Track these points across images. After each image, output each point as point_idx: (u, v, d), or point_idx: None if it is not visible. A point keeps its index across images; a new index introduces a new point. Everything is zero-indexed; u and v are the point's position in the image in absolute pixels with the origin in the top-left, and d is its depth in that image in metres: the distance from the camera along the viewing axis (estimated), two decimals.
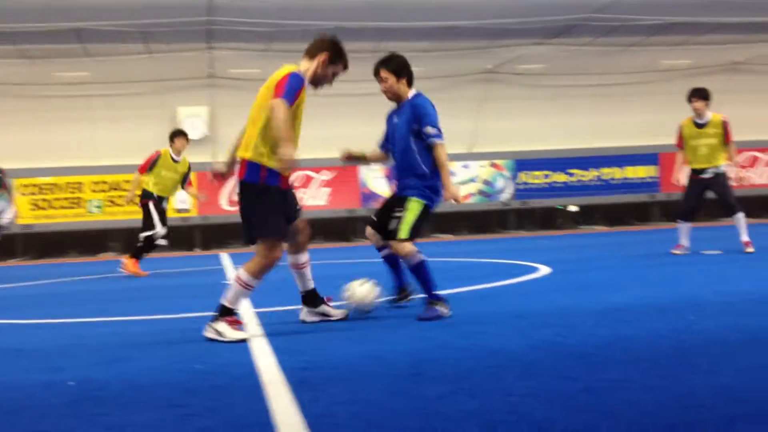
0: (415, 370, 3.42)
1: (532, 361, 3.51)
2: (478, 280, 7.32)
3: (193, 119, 16.83)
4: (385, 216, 5.29)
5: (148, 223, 10.19)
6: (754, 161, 18.67)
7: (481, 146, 17.94)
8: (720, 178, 9.11)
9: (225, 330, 4.41)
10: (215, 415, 2.83)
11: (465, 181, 17.87)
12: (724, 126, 9.14)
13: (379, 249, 5.47)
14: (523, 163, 18.13)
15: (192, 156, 16.76)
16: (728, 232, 10.41)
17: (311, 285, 5.03)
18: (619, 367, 3.27)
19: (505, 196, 18.21)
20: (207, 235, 17.32)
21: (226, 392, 3.20)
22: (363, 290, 5.09)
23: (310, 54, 4.70)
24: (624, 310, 4.90)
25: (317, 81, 4.72)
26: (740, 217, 9.07)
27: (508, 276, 7.60)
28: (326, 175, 17.24)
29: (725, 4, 13.83)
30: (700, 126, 9.16)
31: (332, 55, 4.69)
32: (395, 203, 5.24)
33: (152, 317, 5.85)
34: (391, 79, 5.25)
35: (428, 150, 5.17)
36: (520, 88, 18.19)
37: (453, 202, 5.19)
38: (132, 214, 16.95)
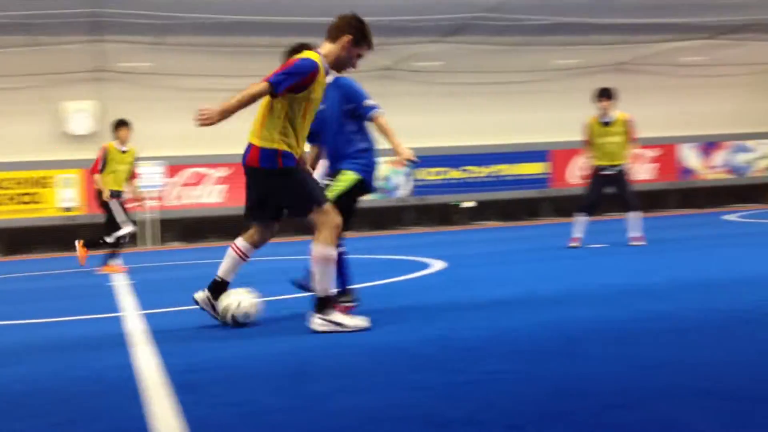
0: (302, 369, 3.39)
1: (420, 355, 3.54)
2: (373, 276, 7.34)
3: (80, 114, 16.22)
4: None
5: (114, 223, 9.86)
6: (637, 158, 19.46)
7: (379, 143, 18.01)
8: (622, 175, 9.45)
9: (344, 320, 4.25)
10: (92, 422, 2.73)
11: None
12: (629, 124, 9.48)
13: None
14: (421, 159, 18.30)
15: (79, 153, 16.26)
16: (616, 225, 10.82)
17: (231, 278, 4.81)
18: (503, 359, 3.34)
19: (403, 192, 18.36)
20: (95, 235, 16.72)
21: (105, 398, 3.09)
22: (234, 300, 4.72)
23: (332, 36, 4.47)
24: (512, 303, 5.02)
25: (340, 64, 4.51)
26: (636, 215, 9.43)
27: (403, 272, 7.66)
28: (222, 172, 16.94)
29: (611, 5, 14.36)
30: (605, 124, 9.46)
31: (356, 36, 4.43)
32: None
33: (30, 321, 5.60)
34: None
35: (362, 129, 5.17)
36: (418, 86, 18.38)
37: (407, 163, 5.10)
38: (10, 214, 16.20)
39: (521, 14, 14.37)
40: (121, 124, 10.05)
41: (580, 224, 9.51)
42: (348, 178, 5.07)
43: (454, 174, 18.63)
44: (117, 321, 5.26)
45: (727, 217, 15.48)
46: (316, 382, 3.10)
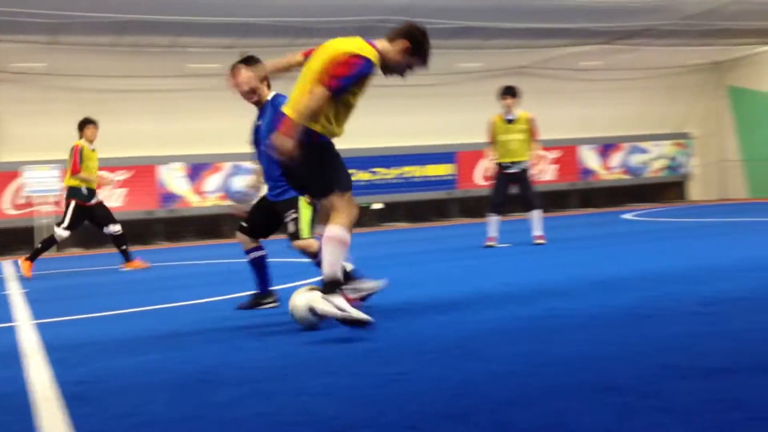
0: (203, 377, 3.30)
1: (326, 359, 3.51)
2: (276, 280, 7.25)
3: None
4: (260, 219, 5.24)
5: (61, 222, 9.71)
6: (540, 157, 19.93)
7: None
8: (525, 174, 9.62)
9: (347, 306, 3.89)
10: None
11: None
12: (532, 123, 9.67)
13: (248, 252, 5.37)
14: None
15: None
16: (520, 225, 11.03)
17: (350, 261, 4.73)
18: (407, 360, 3.34)
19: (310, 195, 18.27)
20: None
21: None
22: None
23: (391, 38, 4.29)
24: (418, 304, 5.04)
25: (390, 68, 4.30)
26: (537, 213, 9.63)
27: (310, 275, 7.59)
28: (122, 175, 16.45)
29: (514, 10, 14.66)
30: (509, 122, 9.63)
31: (413, 46, 4.26)
32: (280, 206, 5.14)
33: None
34: (255, 81, 5.10)
35: None
36: None
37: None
38: None
39: (426, 18, 14.50)
40: (88, 122, 9.89)
41: (492, 224, 9.65)
42: (306, 205, 5.09)
43: (363, 176, 18.66)
44: (9, 332, 5.02)
45: (624, 216, 16.04)
46: (217, 391, 3.02)
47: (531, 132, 9.65)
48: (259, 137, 5.23)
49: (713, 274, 5.53)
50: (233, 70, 5.18)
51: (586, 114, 20.53)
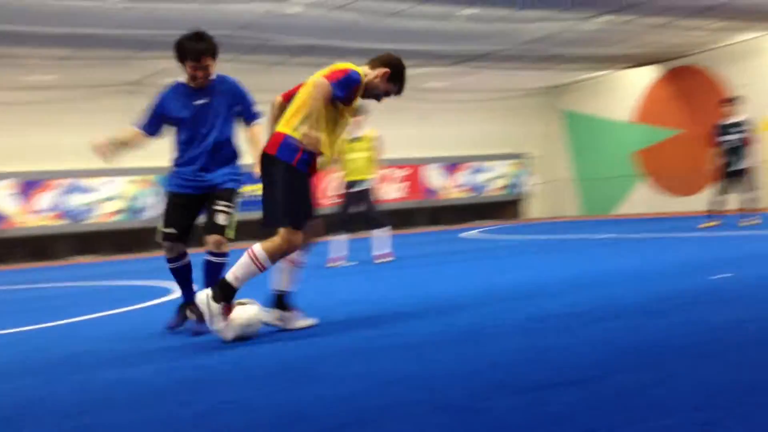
0: (7, 415, 3.03)
1: (150, 389, 3.30)
2: (115, 303, 6.91)
3: None
4: (184, 222, 4.89)
5: None
6: (386, 178, 20.23)
7: (126, 161, 17.17)
8: (368, 192, 9.64)
9: (217, 313, 3.90)
10: None
11: (106, 199, 16.99)
12: (376, 141, 9.71)
13: (174, 259, 4.97)
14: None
15: None
16: (369, 244, 11.07)
17: (292, 288, 4.69)
18: (235, 387, 3.19)
19: (150, 213, 17.63)
20: None
21: None
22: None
23: (373, 65, 4.59)
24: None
25: (368, 91, 4.54)
26: (382, 232, 9.68)
27: (143, 299, 7.28)
28: None
29: (364, 29, 14.79)
30: (354, 140, 9.62)
31: (393, 73, 4.57)
32: (217, 194, 4.82)
33: None
34: (213, 66, 4.87)
35: (235, 134, 4.98)
36: None
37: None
38: None
39: (272, 33, 14.39)
40: None
41: (339, 243, 9.62)
42: (237, 201, 4.95)
43: None
44: None
45: (467, 233, 16.51)
46: (43, 425, 2.78)
47: (375, 150, 9.73)
48: (202, 117, 4.84)
49: (543, 290, 5.71)
50: (194, 49, 4.78)
51: (432, 133, 21.07)
